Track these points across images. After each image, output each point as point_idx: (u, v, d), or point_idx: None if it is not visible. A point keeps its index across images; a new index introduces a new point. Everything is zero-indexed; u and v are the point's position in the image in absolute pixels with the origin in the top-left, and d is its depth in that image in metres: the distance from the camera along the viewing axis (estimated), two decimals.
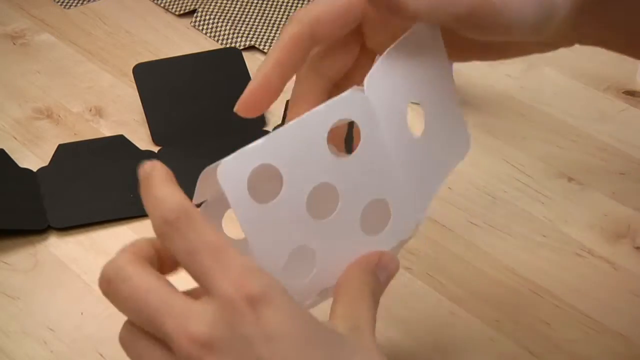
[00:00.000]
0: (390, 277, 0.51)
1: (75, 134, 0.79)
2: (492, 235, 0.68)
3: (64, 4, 0.96)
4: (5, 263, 0.67)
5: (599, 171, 0.72)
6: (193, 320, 0.41)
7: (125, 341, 0.45)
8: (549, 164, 0.73)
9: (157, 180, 0.43)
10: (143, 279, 0.43)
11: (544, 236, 0.67)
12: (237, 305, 0.41)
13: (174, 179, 0.44)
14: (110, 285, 0.44)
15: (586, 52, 0.86)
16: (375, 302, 0.49)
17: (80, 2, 0.97)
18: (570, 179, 0.72)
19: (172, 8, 0.95)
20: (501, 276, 0.64)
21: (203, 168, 0.47)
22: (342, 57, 0.53)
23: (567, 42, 0.55)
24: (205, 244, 0.42)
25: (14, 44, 0.91)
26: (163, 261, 0.45)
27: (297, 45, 0.50)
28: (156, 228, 0.43)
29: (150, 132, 0.78)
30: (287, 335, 0.41)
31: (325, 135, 0.46)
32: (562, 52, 0.87)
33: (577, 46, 0.55)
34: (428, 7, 0.48)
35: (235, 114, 0.52)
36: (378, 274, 0.50)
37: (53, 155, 0.75)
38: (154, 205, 0.43)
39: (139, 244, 0.45)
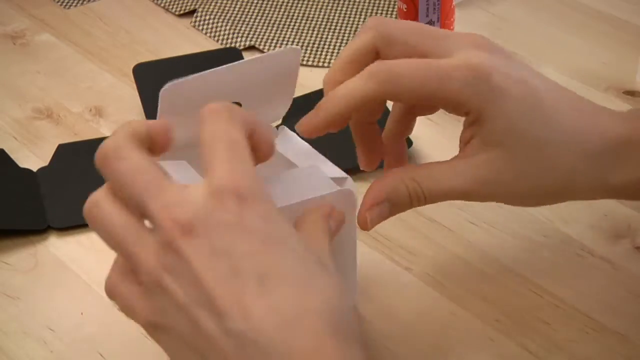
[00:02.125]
0: (338, 228, 0.54)
1: (75, 134, 0.79)
2: (492, 235, 0.68)
3: (64, 4, 0.96)
4: (5, 263, 0.67)
5: None
6: (179, 205, 0.44)
7: (93, 204, 0.48)
8: None
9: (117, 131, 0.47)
10: (139, 160, 0.46)
11: (544, 236, 0.67)
12: (225, 196, 0.44)
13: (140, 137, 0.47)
14: (107, 161, 0.46)
15: (586, 52, 0.86)
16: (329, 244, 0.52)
17: (80, 2, 0.97)
18: None
19: (172, 8, 0.95)
20: (501, 276, 0.64)
21: None
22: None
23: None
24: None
25: (14, 44, 0.91)
26: (154, 142, 0.48)
27: (365, 102, 0.54)
28: (99, 161, 0.47)
29: None
30: (259, 231, 0.44)
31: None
32: (562, 51, 0.87)
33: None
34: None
35: None
36: (330, 222, 0.53)
37: (53, 155, 0.75)
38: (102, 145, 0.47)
39: (135, 125, 0.47)
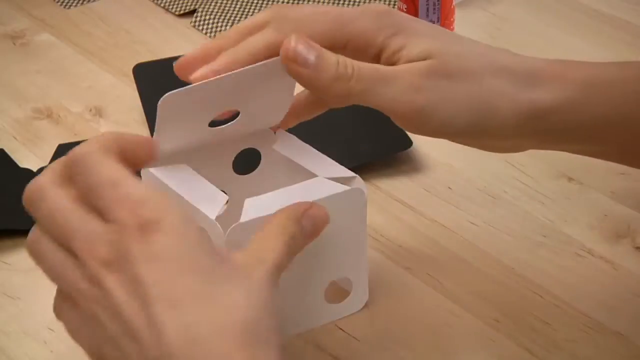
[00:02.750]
0: (316, 227, 0.54)
1: (75, 134, 0.79)
2: (492, 235, 0.68)
3: (64, 4, 0.96)
4: (5, 263, 0.67)
5: (599, 171, 0.72)
6: (96, 242, 0.46)
7: (32, 243, 0.50)
8: (549, 164, 0.73)
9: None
10: (59, 201, 0.48)
11: (544, 236, 0.67)
12: (129, 229, 0.45)
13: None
14: (30, 204, 0.50)
15: (586, 52, 0.86)
16: (291, 247, 0.51)
17: (80, 2, 0.97)
18: (570, 179, 0.72)
19: (172, 8, 0.95)
20: (501, 276, 0.64)
21: None
22: None
23: (527, 147, 0.58)
24: (104, 178, 0.46)
25: (14, 44, 0.91)
26: (135, 155, 0.50)
27: (269, 52, 0.55)
28: (63, 170, 0.49)
29: (150, 132, 0.78)
30: (166, 259, 0.45)
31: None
32: (562, 51, 0.87)
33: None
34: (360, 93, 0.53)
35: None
36: (303, 222, 0.53)
37: (53, 155, 0.75)
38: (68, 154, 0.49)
39: (100, 142, 0.48)
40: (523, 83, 0.55)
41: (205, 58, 0.57)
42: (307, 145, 0.61)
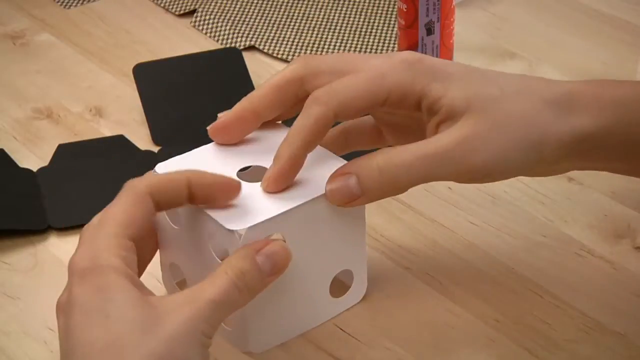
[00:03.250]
0: (276, 264, 0.54)
1: (75, 134, 0.79)
2: (492, 235, 0.68)
3: (64, 4, 0.96)
4: (5, 263, 0.67)
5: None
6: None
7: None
8: None
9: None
10: None
11: (544, 236, 0.67)
12: (69, 279, 0.52)
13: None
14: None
15: (586, 52, 0.86)
16: (238, 283, 0.52)
17: (80, 2, 0.97)
18: (570, 179, 0.72)
19: (172, 8, 0.95)
20: (501, 276, 0.64)
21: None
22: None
23: (573, 168, 0.60)
24: (99, 225, 0.53)
25: (14, 44, 0.91)
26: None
27: (322, 128, 0.56)
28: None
29: (150, 132, 0.78)
30: (82, 305, 0.50)
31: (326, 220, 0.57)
32: (562, 51, 0.87)
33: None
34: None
35: None
36: (259, 259, 0.53)
37: (53, 155, 0.75)
38: None
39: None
40: (563, 110, 0.56)
41: (241, 122, 0.59)
42: None
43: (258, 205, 0.56)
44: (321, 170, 0.58)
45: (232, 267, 0.53)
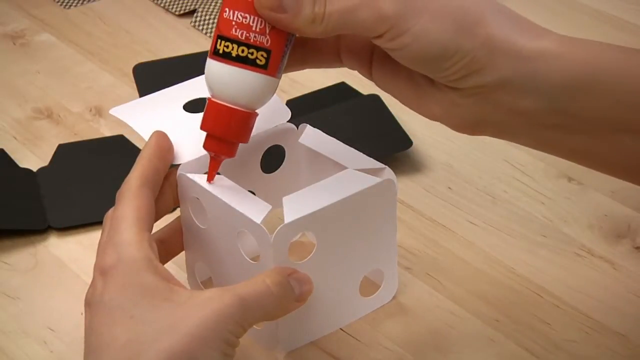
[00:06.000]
0: (303, 291, 0.56)
1: (75, 134, 0.79)
2: (492, 235, 0.68)
3: (64, 4, 0.96)
4: (5, 263, 0.67)
5: None
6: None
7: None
8: (549, 164, 0.73)
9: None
10: None
11: (544, 236, 0.67)
12: (96, 274, 0.53)
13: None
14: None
15: None
16: (274, 291, 0.53)
17: (80, 2, 0.97)
18: (570, 179, 0.72)
19: (172, 8, 0.95)
20: (501, 276, 0.64)
21: None
22: None
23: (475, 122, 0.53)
24: (111, 228, 0.55)
25: (14, 44, 0.91)
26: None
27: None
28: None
29: None
30: (107, 303, 0.51)
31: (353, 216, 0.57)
32: None
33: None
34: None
35: None
36: (291, 281, 0.55)
37: (53, 155, 0.75)
38: None
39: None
40: (508, 20, 0.52)
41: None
42: (331, 138, 0.61)
43: (291, 201, 0.56)
44: (351, 166, 0.58)
45: (270, 276, 0.53)
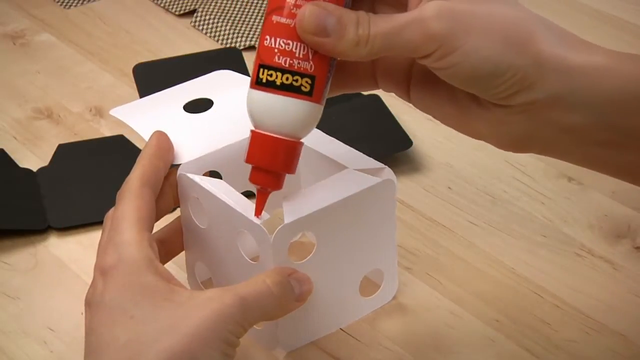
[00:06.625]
0: (302, 291, 0.56)
1: (75, 134, 0.79)
2: (492, 235, 0.68)
3: (64, 4, 0.96)
4: (5, 263, 0.67)
5: None
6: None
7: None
8: (549, 164, 0.73)
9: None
10: None
11: (544, 236, 0.67)
12: (96, 274, 0.54)
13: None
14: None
15: None
16: (274, 291, 0.53)
17: (80, 2, 0.97)
18: (570, 179, 0.72)
19: (172, 8, 0.95)
20: (501, 276, 0.64)
21: None
22: None
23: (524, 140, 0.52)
24: (112, 228, 0.55)
25: (14, 44, 0.91)
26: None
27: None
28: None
29: None
30: (107, 303, 0.52)
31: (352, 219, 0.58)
32: None
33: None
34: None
35: None
36: (291, 281, 0.55)
37: (53, 155, 0.75)
38: None
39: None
40: (557, 36, 0.50)
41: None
42: (331, 138, 0.62)
43: (291, 201, 0.56)
44: (350, 166, 0.59)
45: (270, 276, 0.54)
